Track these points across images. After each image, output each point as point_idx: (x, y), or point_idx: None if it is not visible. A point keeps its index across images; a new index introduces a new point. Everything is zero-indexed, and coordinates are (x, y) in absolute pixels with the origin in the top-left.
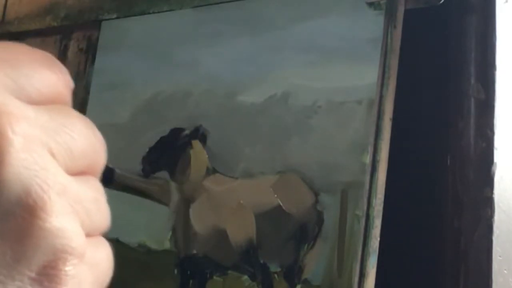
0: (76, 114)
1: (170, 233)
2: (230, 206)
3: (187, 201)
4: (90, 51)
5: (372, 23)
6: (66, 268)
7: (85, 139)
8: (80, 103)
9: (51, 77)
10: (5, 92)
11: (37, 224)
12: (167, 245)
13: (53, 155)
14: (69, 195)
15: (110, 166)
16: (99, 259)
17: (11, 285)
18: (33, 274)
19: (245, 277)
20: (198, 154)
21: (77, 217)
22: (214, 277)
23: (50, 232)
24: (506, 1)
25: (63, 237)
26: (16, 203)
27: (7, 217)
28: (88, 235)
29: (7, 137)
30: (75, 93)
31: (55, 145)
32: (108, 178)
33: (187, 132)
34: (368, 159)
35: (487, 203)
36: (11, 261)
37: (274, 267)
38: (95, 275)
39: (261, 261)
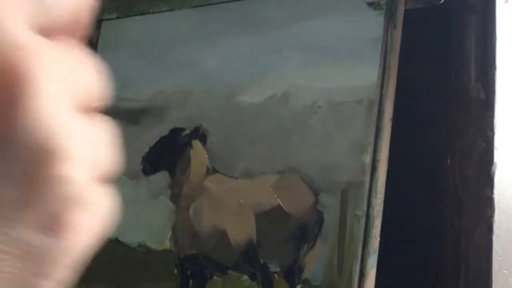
0: (85, 53)
1: (170, 233)
2: (230, 206)
3: (187, 201)
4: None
5: (372, 23)
6: (72, 217)
7: (96, 80)
8: None
9: None
10: (26, 20)
11: (48, 171)
12: (167, 245)
13: (71, 99)
14: (82, 142)
15: None
16: (104, 205)
17: (14, 231)
18: (39, 221)
19: (245, 277)
20: (198, 154)
21: (87, 165)
22: (214, 277)
23: (60, 180)
24: (506, 1)
25: (71, 185)
26: (30, 149)
27: (19, 161)
28: (95, 181)
29: (34, 83)
30: None
31: (74, 88)
32: None
33: (187, 132)
34: (368, 159)
35: (487, 203)
36: (17, 206)
37: (274, 267)
38: (99, 222)
39: (261, 261)
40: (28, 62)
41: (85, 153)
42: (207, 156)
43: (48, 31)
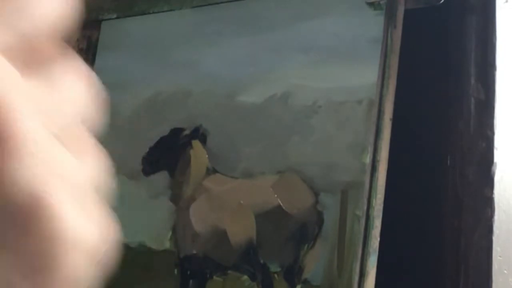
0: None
1: (170, 233)
2: (230, 206)
3: (187, 201)
4: (90, 51)
5: (372, 23)
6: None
7: (86, 98)
8: None
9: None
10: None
11: (40, 225)
12: (167, 245)
13: (58, 131)
14: (75, 189)
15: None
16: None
17: None
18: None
19: (245, 277)
20: (198, 154)
21: (79, 195)
22: (214, 277)
23: (48, 219)
24: (506, 1)
25: (59, 223)
26: (19, 204)
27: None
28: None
29: (17, 139)
30: None
31: (52, 121)
32: None
33: (187, 132)
34: (368, 159)
35: (487, 203)
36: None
37: (274, 267)
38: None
39: (261, 261)
40: (9, 112)
41: (74, 187)
42: (207, 156)
43: (29, 40)
